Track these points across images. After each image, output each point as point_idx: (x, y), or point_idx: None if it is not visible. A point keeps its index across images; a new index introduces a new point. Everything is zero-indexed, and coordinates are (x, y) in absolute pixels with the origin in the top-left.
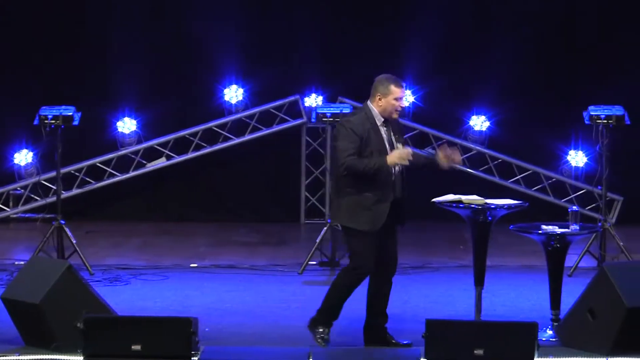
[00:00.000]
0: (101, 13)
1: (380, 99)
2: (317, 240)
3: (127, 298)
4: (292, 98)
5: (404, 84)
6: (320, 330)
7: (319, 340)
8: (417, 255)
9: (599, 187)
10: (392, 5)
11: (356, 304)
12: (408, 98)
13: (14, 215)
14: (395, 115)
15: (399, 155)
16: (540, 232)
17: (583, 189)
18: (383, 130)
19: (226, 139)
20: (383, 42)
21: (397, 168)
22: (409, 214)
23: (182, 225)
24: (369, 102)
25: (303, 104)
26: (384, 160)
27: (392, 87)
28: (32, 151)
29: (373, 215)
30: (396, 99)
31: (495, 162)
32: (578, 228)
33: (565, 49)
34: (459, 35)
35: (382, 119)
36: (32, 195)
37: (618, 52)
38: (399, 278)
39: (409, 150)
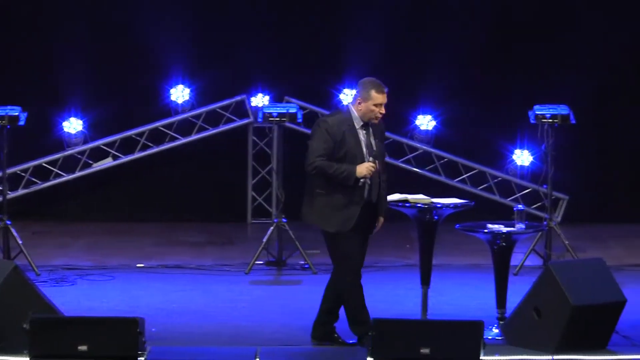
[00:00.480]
0: (47, 12)
1: (360, 103)
2: (264, 240)
3: (74, 298)
4: (238, 98)
5: (386, 90)
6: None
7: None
8: None
9: (545, 186)
10: (336, 4)
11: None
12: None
13: None
14: (374, 121)
15: (366, 168)
16: (486, 231)
17: (529, 188)
18: (362, 133)
19: (173, 138)
20: (328, 42)
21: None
22: None
23: (128, 226)
24: (350, 104)
25: (249, 103)
26: (354, 170)
27: (373, 93)
28: None
29: (343, 217)
30: (376, 105)
31: (442, 161)
32: (524, 227)
33: (509, 48)
34: (404, 34)
35: (362, 123)
36: None
37: (561, 51)
38: None
39: (370, 165)
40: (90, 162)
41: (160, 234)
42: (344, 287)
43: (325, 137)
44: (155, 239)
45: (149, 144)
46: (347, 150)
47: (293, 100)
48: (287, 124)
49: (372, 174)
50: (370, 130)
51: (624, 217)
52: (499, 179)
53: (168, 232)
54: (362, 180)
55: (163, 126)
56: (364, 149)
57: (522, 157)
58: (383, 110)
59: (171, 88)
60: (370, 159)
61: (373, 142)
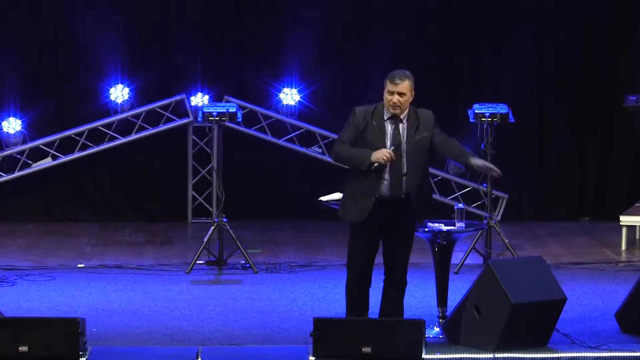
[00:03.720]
0: None
1: (384, 94)
2: (205, 240)
3: (13, 299)
4: (178, 97)
5: (398, 80)
6: None
7: None
8: (303, 253)
9: (485, 184)
10: (274, 2)
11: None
12: (294, 97)
13: None
14: (391, 110)
15: (382, 153)
16: (426, 229)
17: (468, 187)
18: (390, 125)
19: (112, 138)
20: (267, 40)
21: (404, 164)
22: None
23: (68, 225)
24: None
25: (189, 103)
26: (369, 154)
27: (386, 81)
28: None
29: (357, 208)
30: (388, 93)
31: None
32: (464, 225)
33: (452, 45)
34: (343, 32)
35: (390, 114)
36: None
37: (499, 49)
38: (286, 276)
39: (387, 152)
40: (30, 162)
41: (100, 234)
42: (346, 285)
43: (351, 125)
44: (94, 239)
45: (89, 143)
46: (369, 140)
47: (232, 99)
48: (227, 123)
49: (391, 164)
50: (406, 123)
51: (562, 215)
52: (439, 177)
53: (107, 232)
54: (376, 166)
55: (102, 126)
56: (388, 140)
57: None
58: (395, 99)
59: (110, 87)
60: (392, 148)
61: (404, 134)
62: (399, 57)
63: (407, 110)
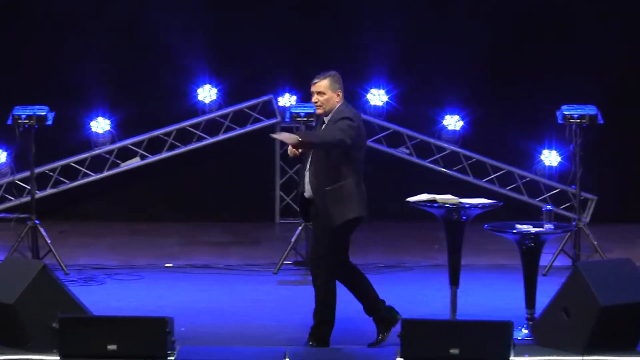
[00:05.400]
0: (75, 13)
1: None
2: (292, 240)
3: (102, 298)
4: (265, 97)
5: (316, 79)
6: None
7: None
8: (390, 254)
9: (573, 186)
10: (361, 3)
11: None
12: (382, 97)
13: None
14: (318, 110)
15: (287, 134)
16: (514, 231)
17: (557, 188)
18: (319, 126)
19: (200, 138)
20: (354, 41)
21: (312, 165)
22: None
23: (155, 225)
24: None
25: (277, 103)
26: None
27: None
28: (5, 151)
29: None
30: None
31: (469, 161)
32: (552, 227)
33: (537, 47)
34: (430, 32)
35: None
36: (6, 195)
37: (589, 50)
38: (374, 277)
39: (288, 137)
40: (118, 161)
41: (187, 234)
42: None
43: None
44: (182, 238)
45: (177, 143)
46: None
47: None
48: (314, 124)
49: (303, 162)
50: (327, 123)
51: None
52: (527, 179)
53: (195, 232)
54: (305, 167)
55: (190, 126)
56: None
57: (550, 158)
58: (315, 98)
59: (198, 88)
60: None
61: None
62: (483, 57)
63: (335, 111)
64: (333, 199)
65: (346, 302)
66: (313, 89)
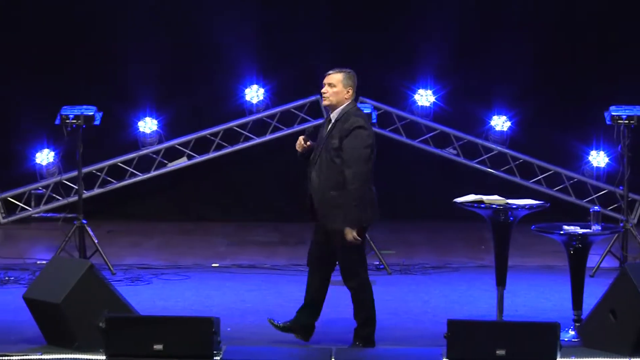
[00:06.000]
0: (122, 14)
1: None
2: None
3: (149, 297)
4: (312, 98)
5: (331, 71)
6: None
7: None
8: (437, 255)
9: (621, 187)
10: (408, 3)
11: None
12: (429, 98)
13: (36, 215)
14: (322, 101)
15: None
16: (561, 232)
17: (604, 190)
18: (326, 125)
19: (247, 138)
20: (402, 42)
21: (317, 164)
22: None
23: (202, 225)
24: None
25: None
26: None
27: None
28: (53, 151)
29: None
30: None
31: (517, 162)
32: (600, 228)
33: (585, 48)
34: (477, 33)
35: (331, 114)
36: (54, 195)
37: (636, 51)
38: (420, 278)
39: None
40: (165, 161)
41: (234, 234)
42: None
43: None
44: (228, 238)
45: (224, 143)
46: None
47: (367, 100)
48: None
49: (310, 163)
50: (334, 123)
51: None
52: (575, 180)
53: (242, 232)
54: (299, 154)
55: (237, 126)
56: (321, 143)
57: (598, 159)
58: (324, 89)
59: (245, 88)
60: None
61: (327, 134)
62: (531, 58)
63: (343, 110)
64: (339, 203)
65: (381, 302)
66: (325, 80)
